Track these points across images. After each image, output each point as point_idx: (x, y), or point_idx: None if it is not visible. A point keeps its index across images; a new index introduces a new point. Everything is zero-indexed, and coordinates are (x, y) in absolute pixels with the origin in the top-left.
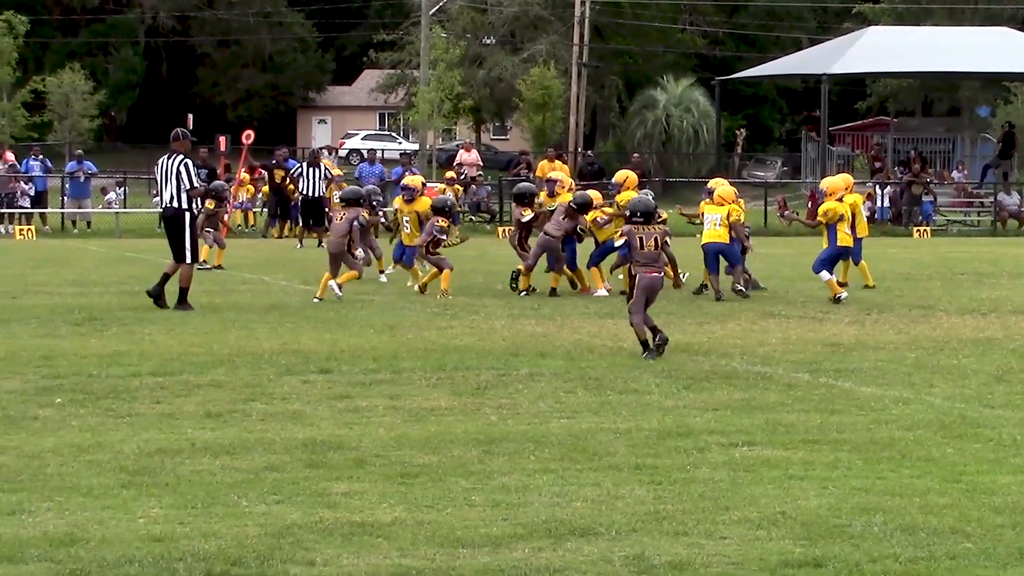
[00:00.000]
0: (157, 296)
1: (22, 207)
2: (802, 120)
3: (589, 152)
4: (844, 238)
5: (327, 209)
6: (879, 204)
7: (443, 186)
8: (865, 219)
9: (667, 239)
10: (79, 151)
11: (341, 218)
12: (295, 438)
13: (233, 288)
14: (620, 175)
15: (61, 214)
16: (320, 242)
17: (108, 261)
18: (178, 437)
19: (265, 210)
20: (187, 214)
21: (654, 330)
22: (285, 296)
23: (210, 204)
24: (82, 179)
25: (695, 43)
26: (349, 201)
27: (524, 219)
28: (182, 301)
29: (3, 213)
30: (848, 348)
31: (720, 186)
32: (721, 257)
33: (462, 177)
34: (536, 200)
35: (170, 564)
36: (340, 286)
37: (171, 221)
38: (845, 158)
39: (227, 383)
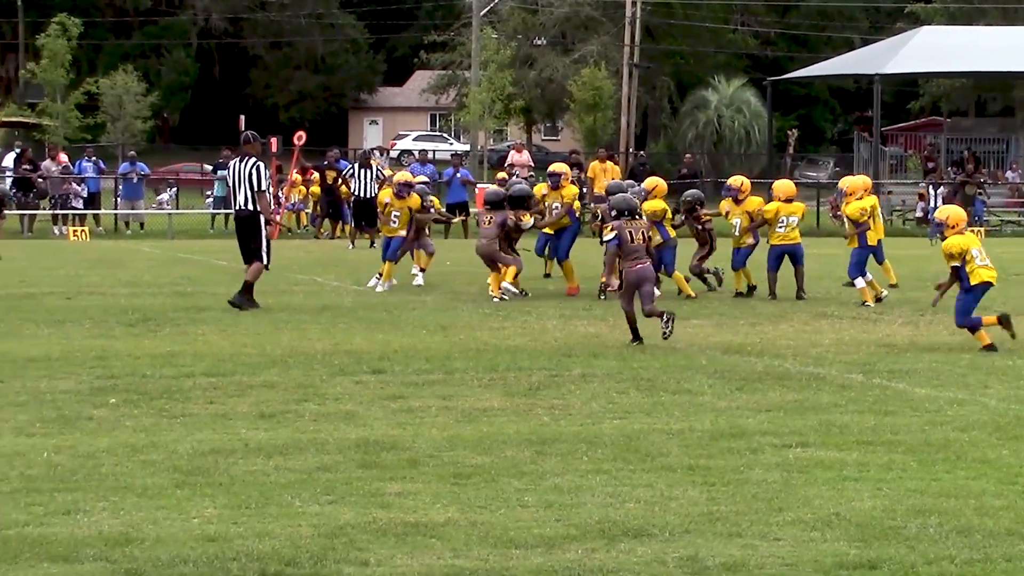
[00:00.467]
0: (247, 301)
1: (75, 208)
2: (854, 120)
3: (641, 152)
4: (872, 236)
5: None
6: (932, 204)
7: (495, 187)
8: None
9: (650, 233)
10: (132, 152)
11: (489, 222)
12: (348, 438)
13: (285, 289)
14: (650, 182)
15: (114, 215)
16: (372, 243)
17: (161, 262)
18: (231, 437)
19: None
20: (262, 216)
21: (661, 315)
22: (337, 297)
23: None
24: (135, 180)
25: (747, 43)
26: (494, 204)
27: (525, 226)
28: (243, 294)
29: (57, 214)
30: (902, 349)
31: (779, 183)
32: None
33: (513, 178)
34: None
35: (224, 564)
36: (513, 286)
37: (246, 223)
38: (898, 158)
39: (280, 384)
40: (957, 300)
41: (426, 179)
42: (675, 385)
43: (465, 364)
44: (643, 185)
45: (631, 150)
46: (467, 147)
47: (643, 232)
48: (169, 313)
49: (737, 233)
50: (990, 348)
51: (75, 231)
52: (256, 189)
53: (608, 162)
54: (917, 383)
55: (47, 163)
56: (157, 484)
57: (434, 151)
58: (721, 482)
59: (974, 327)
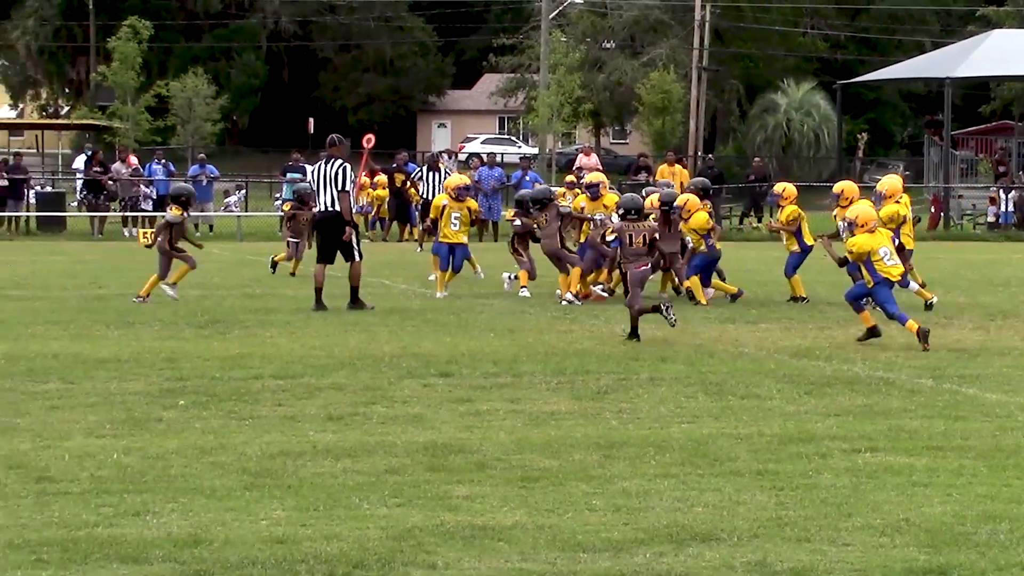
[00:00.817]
0: (359, 302)
1: (144, 210)
2: (925, 124)
3: (709, 156)
4: (908, 241)
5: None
6: (1003, 209)
7: (562, 189)
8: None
9: (656, 235)
10: (202, 155)
11: (546, 220)
12: (416, 441)
13: None
14: (681, 199)
15: None
16: (420, 246)
17: (230, 264)
18: (300, 440)
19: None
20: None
21: (638, 315)
22: (405, 299)
23: (286, 207)
24: (204, 183)
25: (816, 46)
26: (542, 203)
27: (597, 217)
28: (355, 300)
29: (127, 216)
30: (972, 354)
31: (850, 185)
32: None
33: (582, 181)
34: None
35: (292, 566)
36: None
37: (332, 224)
38: (968, 162)
39: (348, 386)
40: (858, 286)
41: (468, 183)
42: (743, 389)
43: (533, 367)
44: (676, 203)
45: (700, 153)
46: (535, 150)
47: (644, 235)
48: (238, 315)
49: (784, 241)
50: (873, 332)
51: (145, 233)
52: (340, 189)
53: (676, 165)
54: (988, 388)
55: (117, 165)
56: (226, 486)
57: (502, 154)
58: (790, 487)
59: (859, 309)
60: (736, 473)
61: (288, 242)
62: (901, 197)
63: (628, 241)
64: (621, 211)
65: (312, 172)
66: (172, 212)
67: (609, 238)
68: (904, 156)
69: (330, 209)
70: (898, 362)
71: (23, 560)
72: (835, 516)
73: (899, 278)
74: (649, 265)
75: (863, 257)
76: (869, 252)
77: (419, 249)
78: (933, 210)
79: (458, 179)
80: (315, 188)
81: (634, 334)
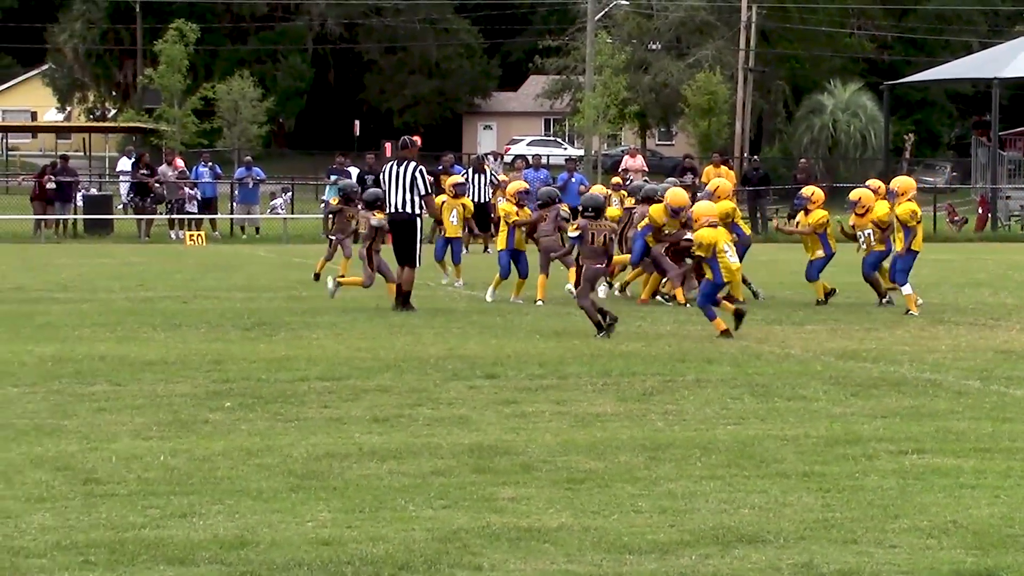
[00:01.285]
0: (405, 303)
1: (190, 213)
2: (972, 125)
3: (755, 157)
4: (919, 242)
5: (491, 215)
6: None
7: (607, 191)
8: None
9: (613, 236)
10: (248, 157)
11: (545, 219)
12: (462, 443)
13: None
14: (713, 183)
15: (230, 220)
16: (486, 247)
17: (276, 266)
18: (346, 441)
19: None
20: (419, 220)
21: (602, 312)
22: (451, 301)
23: (334, 200)
24: (251, 185)
25: (863, 47)
26: (545, 203)
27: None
28: (405, 303)
29: (173, 219)
30: (1020, 355)
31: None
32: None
33: (627, 183)
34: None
35: (338, 568)
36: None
37: (404, 226)
38: (1016, 163)
39: (394, 388)
40: (702, 285)
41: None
42: (790, 391)
43: (579, 369)
44: (708, 186)
45: (746, 155)
46: (581, 152)
47: (605, 235)
48: (284, 317)
49: (807, 245)
50: (725, 334)
51: (191, 236)
52: (424, 193)
53: (722, 167)
54: None
55: (164, 168)
56: (272, 488)
57: (548, 156)
58: (836, 488)
59: (711, 317)
60: (782, 475)
61: (331, 240)
62: (914, 195)
63: (590, 240)
64: (581, 208)
65: (383, 173)
66: (376, 217)
67: (573, 234)
68: (951, 157)
69: (401, 211)
70: (945, 364)
71: (71, 561)
72: (882, 518)
73: (736, 276)
74: (604, 264)
75: (711, 251)
76: (715, 246)
77: (464, 251)
78: (980, 211)
79: (519, 184)
80: (386, 189)
81: (599, 328)
